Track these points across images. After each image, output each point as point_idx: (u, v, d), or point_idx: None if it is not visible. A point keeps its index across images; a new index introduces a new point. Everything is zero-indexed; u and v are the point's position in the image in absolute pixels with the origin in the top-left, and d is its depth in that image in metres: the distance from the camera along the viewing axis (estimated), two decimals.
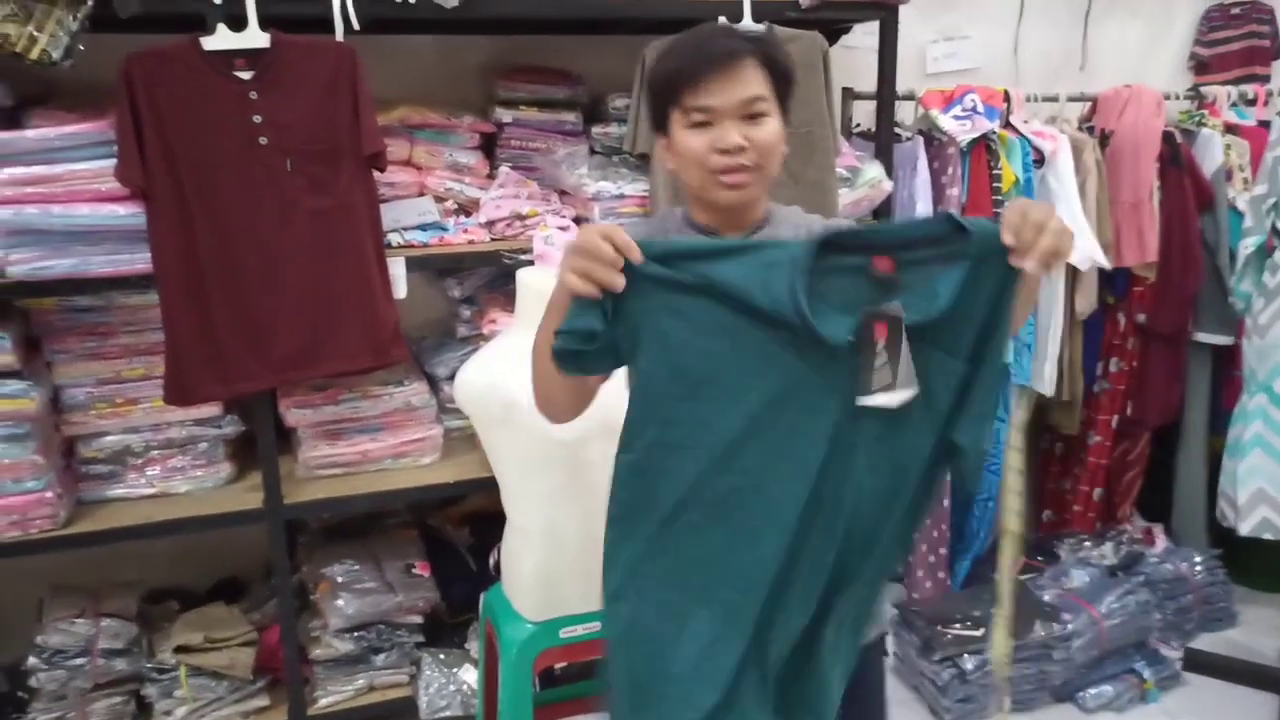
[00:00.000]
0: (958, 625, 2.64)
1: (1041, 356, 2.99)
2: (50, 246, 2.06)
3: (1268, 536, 2.45)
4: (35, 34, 1.90)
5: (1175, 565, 3.00)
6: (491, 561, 2.46)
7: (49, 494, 2.16)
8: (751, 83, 1.31)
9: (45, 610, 2.38)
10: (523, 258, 2.38)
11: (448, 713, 2.48)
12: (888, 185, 2.69)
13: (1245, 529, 2.46)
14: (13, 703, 2.38)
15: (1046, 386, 3.01)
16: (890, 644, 2.86)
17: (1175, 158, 3.01)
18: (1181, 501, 3.28)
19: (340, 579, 2.51)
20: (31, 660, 2.30)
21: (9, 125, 2.13)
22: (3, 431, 2.10)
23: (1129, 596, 2.77)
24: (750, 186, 1.33)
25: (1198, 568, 3.00)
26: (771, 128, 1.33)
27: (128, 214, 2.08)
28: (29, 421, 2.13)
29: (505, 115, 2.60)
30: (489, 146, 2.64)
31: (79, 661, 2.32)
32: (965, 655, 2.59)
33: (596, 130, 2.66)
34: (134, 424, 2.31)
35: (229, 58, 2.07)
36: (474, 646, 2.54)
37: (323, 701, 2.48)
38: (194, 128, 2.07)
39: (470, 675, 2.50)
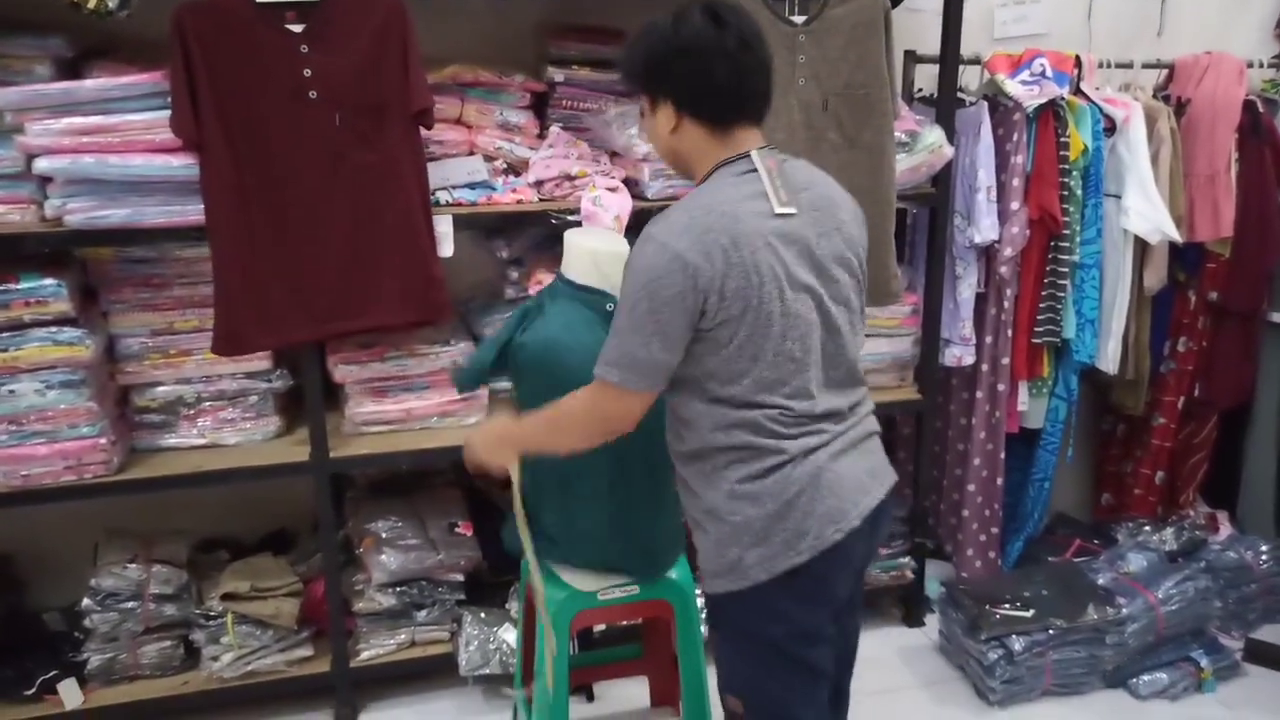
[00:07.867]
0: (1007, 605, 2.58)
1: (1106, 333, 2.88)
2: (106, 196, 2.10)
3: None
4: None
5: (1239, 553, 2.89)
6: None
7: (103, 440, 2.21)
8: None
9: (100, 554, 2.44)
10: (570, 219, 2.36)
11: (486, 670, 2.49)
12: (948, 151, 2.61)
13: None
14: (69, 641, 2.46)
15: (1110, 364, 2.91)
16: (937, 622, 2.82)
17: (1256, 128, 2.87)
18: (1249, 488, 3.16)
19: (384, 535, 2.54)
20: (86, 601, 2.37)
21: (70, 76, 2.17)
22: (59, 378, 2.15)
23: (1188, 583, 2.67)
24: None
25: (1264, 557, 2.89)
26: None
27: (180, 165, 2.10)
28: (84, 369, 2.18)
29: (557, 74, 2.57)
30: (540, 106, 2.61)
31: (131, 605, 2.38)
32: (1014, 635, 2.53)
33: None
34: (186, 375, 2.36)
35: (280, 10, 2.08)
36: (514, 607, 2.54)
37: (365, 654, 2.52)
38: (245, 80, 2.08)
39: (510, 635, 2.51)
